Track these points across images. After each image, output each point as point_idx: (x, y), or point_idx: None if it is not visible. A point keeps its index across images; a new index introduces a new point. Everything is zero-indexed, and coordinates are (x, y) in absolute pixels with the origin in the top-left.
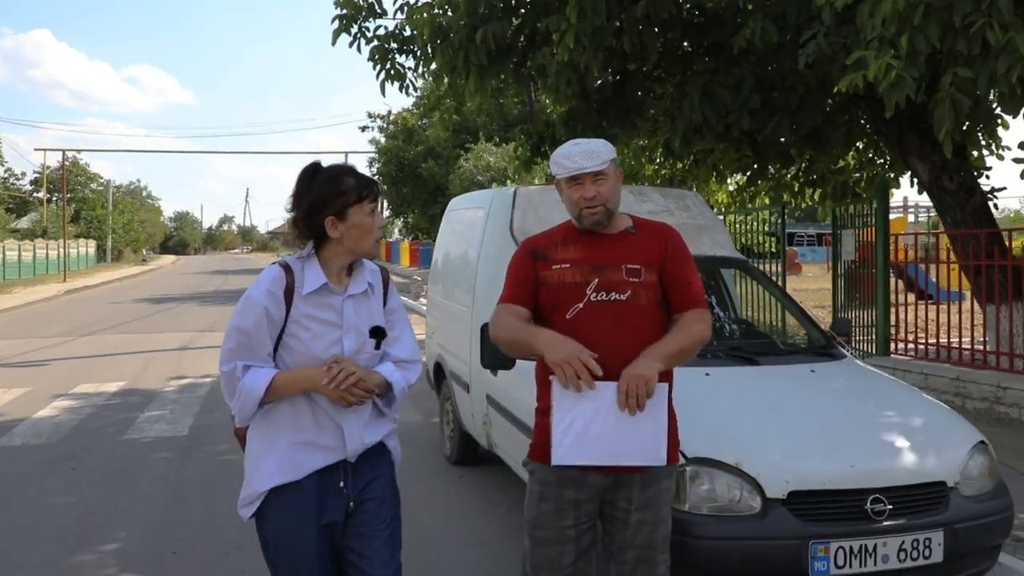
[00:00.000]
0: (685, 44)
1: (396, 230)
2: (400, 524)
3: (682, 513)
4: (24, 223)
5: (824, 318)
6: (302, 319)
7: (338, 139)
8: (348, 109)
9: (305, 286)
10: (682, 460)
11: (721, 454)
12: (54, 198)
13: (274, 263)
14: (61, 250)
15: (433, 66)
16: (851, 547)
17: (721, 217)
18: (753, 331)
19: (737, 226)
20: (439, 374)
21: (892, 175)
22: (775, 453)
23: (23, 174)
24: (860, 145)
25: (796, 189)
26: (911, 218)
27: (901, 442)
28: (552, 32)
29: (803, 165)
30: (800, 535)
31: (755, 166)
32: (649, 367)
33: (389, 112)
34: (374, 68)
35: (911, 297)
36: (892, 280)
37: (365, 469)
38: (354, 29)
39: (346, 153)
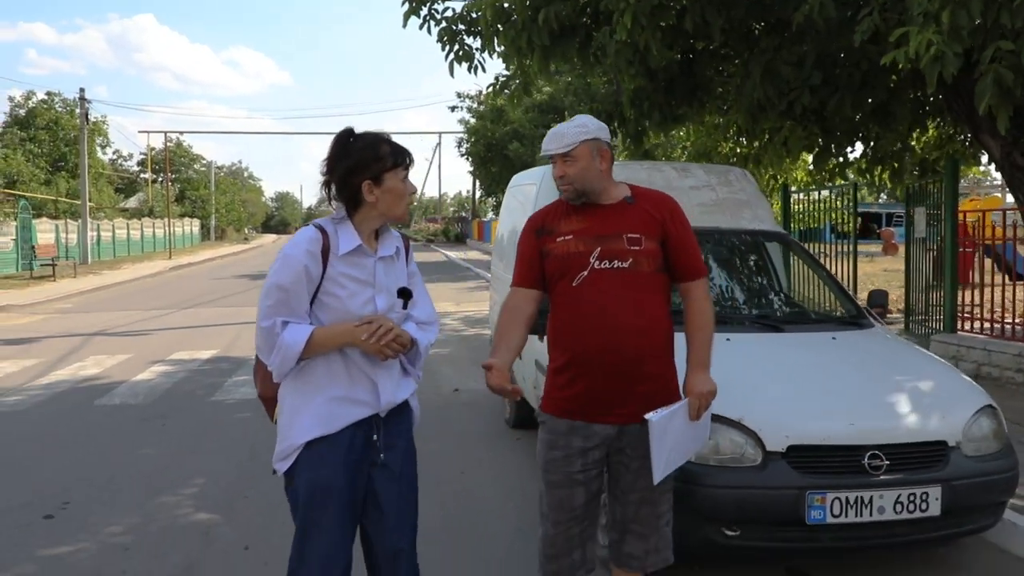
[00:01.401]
0: (751, 22)
1: (490, 209)
2: (416, 480)
3: (689, 463)
4: (132, 203)
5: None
6: (339, 277)
7: (430, 119)
8: (440, 88)
9: (341, 247)
10: None
11: (725, 410)
12: (159, 179)
13: (308, 225)
14: (167, 229)
15: (499, 47)
16: (847, 498)
17: (801, 195)
18: (787, 301)
19: (819, 204)
20: None
21: (973, 152)
22: (777, 410)
23: (130, 155)
24: (939, 122)
25: (864, 167)
26: (1010, 198)
27: (905, 403)
28: (612, 11)
29: (870, 143)
30: (798, 486)
31: (821, 144)
32: (710, 382)
33: (480, 92)
34: (443, 49)
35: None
36: (983, 259)
37: (392, 425)
38: (423, 11)
39: (440, 133)
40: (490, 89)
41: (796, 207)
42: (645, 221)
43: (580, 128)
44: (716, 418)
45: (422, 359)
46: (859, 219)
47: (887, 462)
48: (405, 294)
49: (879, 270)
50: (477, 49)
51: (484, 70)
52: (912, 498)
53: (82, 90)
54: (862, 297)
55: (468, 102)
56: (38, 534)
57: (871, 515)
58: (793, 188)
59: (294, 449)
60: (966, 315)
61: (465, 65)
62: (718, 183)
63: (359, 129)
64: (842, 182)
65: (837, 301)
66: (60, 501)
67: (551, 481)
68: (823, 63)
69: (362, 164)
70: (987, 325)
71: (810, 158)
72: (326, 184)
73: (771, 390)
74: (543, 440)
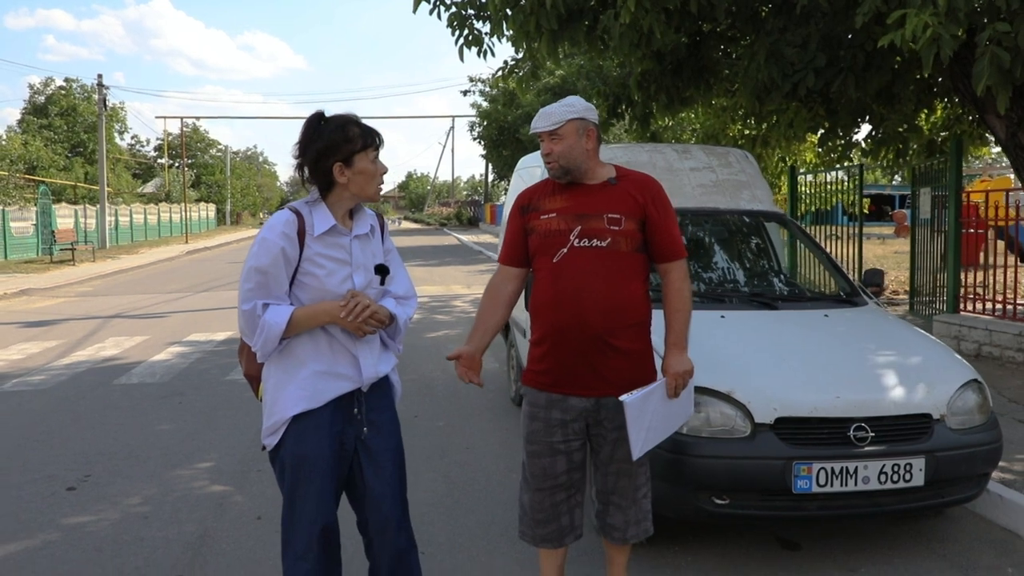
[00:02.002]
0: (756, 4)
1: (502, 193)
2: (403, 451)
3: (680, 435)
4: (150, 188)
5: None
6: (316, 257)
7: (446, 103)
8: (454, 72)
9: (316, 228)
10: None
11: (716, 383)
12: (176, 164)
13: (284, 208)
14: (183, 213)
15: (508, 31)
16: (832, 468)
17: (810, 177)
18: (783, 280)
19: (827, 186)
20: (506, 323)
21: (980, 133)
22: (766, 384)
23: (147, 141)
24: (946, 103)
25: (869, 148)
26: None
27: (891, 377)
28: None
29: (875, 124)
30: (785, 456)
31: (827, 126)
32: (687, 362)
33: (494, 74)
34: (452, 34)
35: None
36: (995, 240)
37: (374, 399)
38: None
39: (453, 117)
40: (499, 73)
41: (804, 189)
42: (626, 202)
43: (567, 107)
44: (708, 391)
45: (402, 333)
46: (871, 201)
47: (872, 434)
48: (382, 270)
49: (890, 252)
50: (486, 34)
51: (493, 55)
52: (896, 469)
53: (100, 76)
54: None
55: (480, 86)
56: (62, 504)
57: (856, 485)
58: (802, 170)
59: (282, 423)
60: (970, 296)
61: (475, 50)
62: (718, 164)
63: (365, 115)
64: (850, 163)
65: (833, 280)
66: (82, 474)
67: (533, 451)
68: (828, 45)
69: (333, 146)
70: (989, 305)
71: (816, 139)
72: (299, 167)
73: (761, 364)
74: (525, 412)
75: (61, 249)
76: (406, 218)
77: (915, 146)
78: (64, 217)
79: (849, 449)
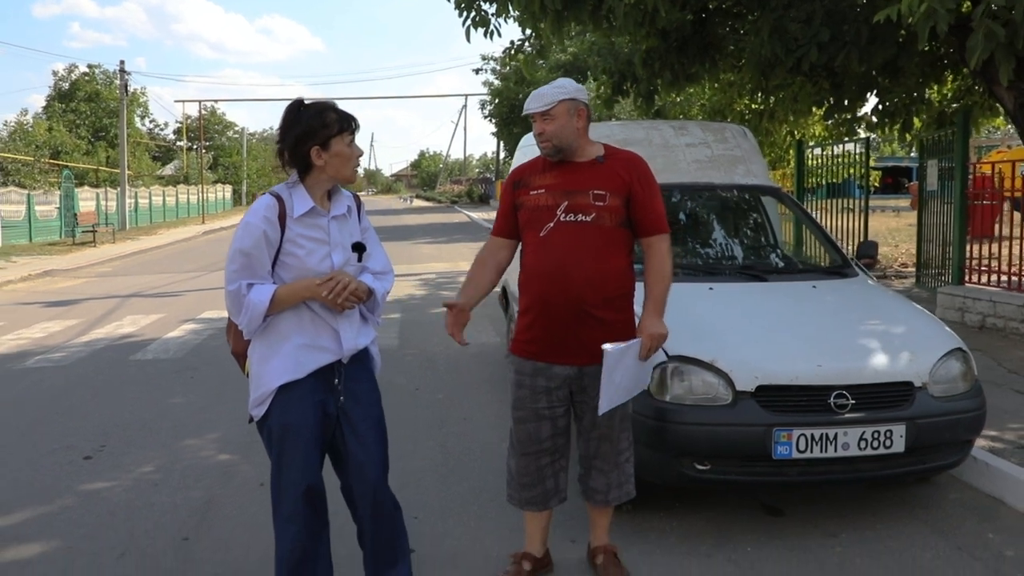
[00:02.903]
0: None
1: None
2: (384, 419)
3: (663, 403)
4: (168, 170)
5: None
6: (296, 238)
7: (457, 81)
8: (466, 52)
9: (295, 210)
10: (664, 357)
11: (699, 353)
12: (194, 146)
13: (265, 193)
14: (200, 195)
15: (513, 12)
16: (812, 435)
17: (819, 151)
18: (774, 253)
19: (836, 160)
20: (505, 297)
21: (991, 104)
22: (748, 353)
23: (166, 124)
24: (956, 75)
25: (875, 121)
26: None
27: (873, 345)
28: None
29: (880, 97)
30: (765, 423)
31: (832, 100)
32: (662, 326)
33: (506, 51)
34: (460, 16)
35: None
36: (1009, 211)
37: (354, 371)
38: None
39: (465, 96)
40: (504, 54)
41: (812, 163)
42: (612, 179)
43: (559, 89)
44: (691, 360)
45: (380, 307)
46: (888, 173)
47: (852, 401)
48: (359, 248)
49: (904, 224)
50: (492, 14)
51: (500, 35)
52: (876, 435)
53: (122, 62)
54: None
55: (492, 64)
56: (78, 472)
57: (836, 451)
58: (811, 143)
59: (268, 395)
60: (975, 268)
61: (481, 30)
62: (714, 140)
63: (379, 95)
64: (857, 137)
65: (827, 253)
66: (98, 444)
67: (519, 417)
68: (832, 19)
69: (310, 131)
70: (995, 278)
71: (821, 113)
72: (279, 152)
73: (745, 335)
74: (512, 380)
75: (83, 231)
76: (418, 196)
77: (924, 118)
78: (86, 200)
79: (829, 416)
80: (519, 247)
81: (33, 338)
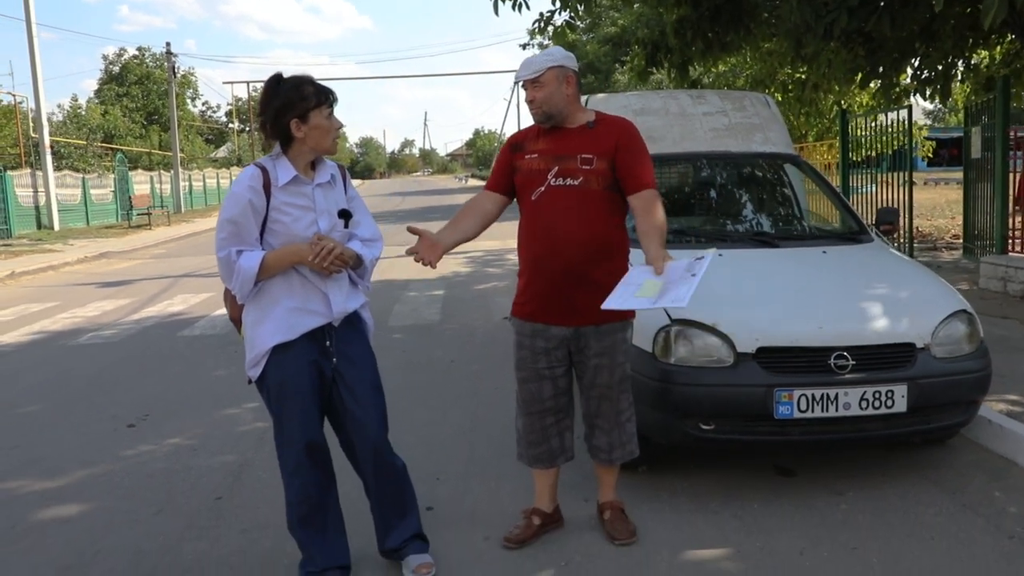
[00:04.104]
0: None
1: None
2: (379, 379)
3: (667, 365)
4: (222, 152)
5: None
6: (282, 206)
7: (507, 57)
8: (514, 26)
9: (279, 179)
10: (668, 321)
11: (701, 316)
12: (246, 128)
13: (250, 164)
14: None
15: None
16: (813, 394)
17: (864, 121)
18: (788, 220)
19: (883, 128)
20: None
21: None
22: (749, 315)
23: (218, 107)
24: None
25: (915, 88)
26: None
27: (876, 308)
28: None
29: (917, 63)
30: (766, 384)
31: (867, 67)
32: (665, 254)
33: (535, 23)
34: None
35: None
36: None
37: (346, 335)
38: None
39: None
40: (534, 26)
41: (857, 132)
42: (599, 143)
43: (548, 57)
44: (694, 323)
45: (369, 272)
46: (950, 144)
47: (853, 362)
48: (345, 215)
49: (959, 196)
50: None
51: (528, 7)
52: (877, 395)
53: (168, 44)
54: (917, 224)
55: (539, 38)
56: (122, 439)
57: (837, 411)
58: (857, 112)
59: (262, 355)
60: (1020, 237)
61: (509, 3)
62: (732, 108)
63: (428, 72)
64: (905, 103)
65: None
66: (142, 413)
67: (522, 377)
68: None
69: (288, 104)
70: None
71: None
72: (261, 125)
73: (747, 298)
74: (514, 342)
75: (138, 214)
76: (473, 175)
77: (970, 83)
78: (140, 183)
79: (830, 376)
80: (506, 205)
81: (87, 316)
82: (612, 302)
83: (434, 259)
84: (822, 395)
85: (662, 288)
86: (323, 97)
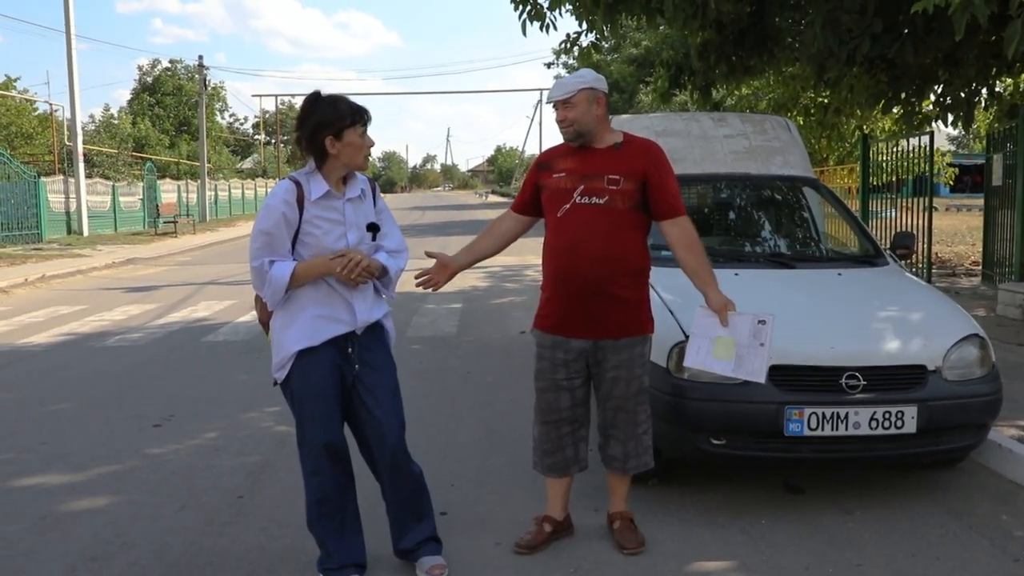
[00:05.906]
0: None
1: None
2: (399, 387)
3: (680, 380)
4: (247, 163)
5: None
6: (314, 219)
7: (533, 76)
8: (539, 45)
9: (312, 194)
10: (683, 337)
11: None
12: (272, 141)
13: (284, 178)
14: None
15: (567, 5)
16: (823, 413)
17: (882, 145)
18: (805, 242)
19: (905, 154)
20: None
21: None
22: None
23: (245, 119)
24: None
25: (935, 116)
26: None
27: (888, 329)
28: None
29: (941, 90)
30: (777, 401)
31: (890, 93)
32: (722, 295)
33: (561, 44)
34: (515, 9)
35: None
36: None
37: (368, 343)
38: None
39: (540, 90)
40: (560, 47)
41: (879, 158)
42: (627, 164)
43: (579, 79)
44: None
45: (394, 283)
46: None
47: (864, 382)
48: (373, 228)
49: (980, 223)
50: (547, 8)
51: (555, 28)
52: (887, 416)
53: (200, 57)
54: (937, 250)
55: (564, 58)
56: (147, 438)
57: (847, 430)
58: (880, 138)
59: (288, 358)
60: None
61: (537, 24)
62: (752, 131)
63: (454, 89)
64: (927, 130)
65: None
66: (167, 414)
67: (540, 387)
68: (886, 10)
69: (325, 122)
70: None
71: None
72: (297, 141)
73: None
74: (535, 353)
75: (165, 222)
76: (493, 192)
77: (994, 111)
78: (168, 192)
79: (840, 396)
80: (529, 225)
81: (114, 320)
82: (691, 360)
83: (442, 280)
84: (832, 414)
85: (736, 352)
86: (358, 116)
